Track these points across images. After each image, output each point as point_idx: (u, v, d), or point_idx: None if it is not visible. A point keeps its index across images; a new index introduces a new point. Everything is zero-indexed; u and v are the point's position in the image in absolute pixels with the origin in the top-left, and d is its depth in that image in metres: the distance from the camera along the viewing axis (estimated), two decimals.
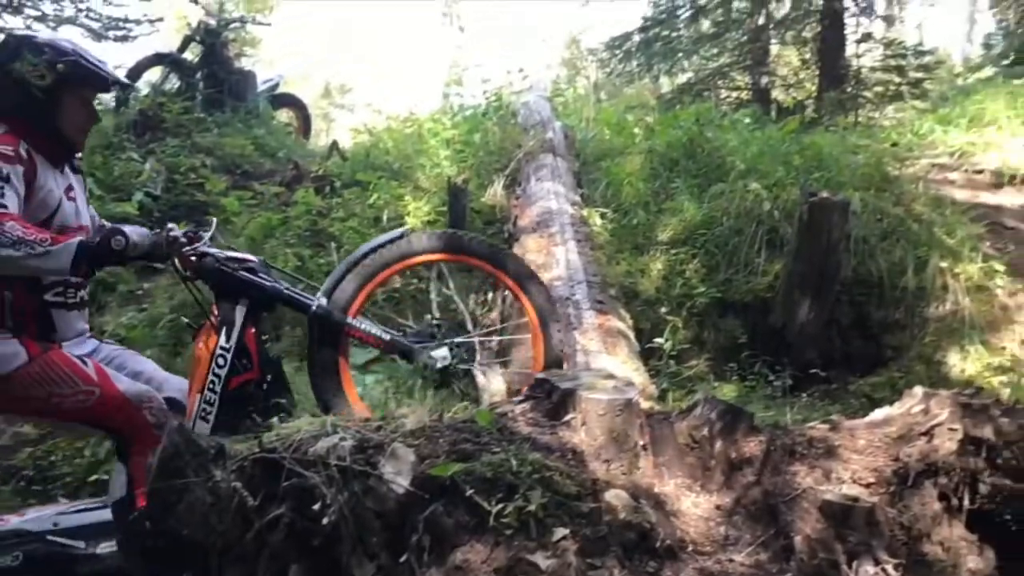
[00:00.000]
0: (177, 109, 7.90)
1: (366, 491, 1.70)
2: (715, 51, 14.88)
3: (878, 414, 2.21)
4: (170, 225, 2.61)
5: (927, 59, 14.98)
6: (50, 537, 2.48)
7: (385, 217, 6.06)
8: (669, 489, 1.97)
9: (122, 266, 2.58)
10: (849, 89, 13.23)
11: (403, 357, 2.79)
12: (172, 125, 7.78)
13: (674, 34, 14.34)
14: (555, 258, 4.76)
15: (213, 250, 2.61)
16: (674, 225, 6.32)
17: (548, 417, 2.02)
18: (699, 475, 2.01)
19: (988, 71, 14.45)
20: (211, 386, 2.49)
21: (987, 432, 1.99)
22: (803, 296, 5.55)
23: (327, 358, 2.67)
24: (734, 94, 14.54)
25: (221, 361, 2.49)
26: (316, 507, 1.67)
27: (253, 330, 2.59)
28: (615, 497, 1.77)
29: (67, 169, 2.75)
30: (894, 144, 8.28)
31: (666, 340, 4.73)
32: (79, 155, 2.85)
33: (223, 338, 2.51)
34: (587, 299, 4.16)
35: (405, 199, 6.29)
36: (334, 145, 7.99)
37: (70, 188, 2.71)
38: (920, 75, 14.40)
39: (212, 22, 9.00)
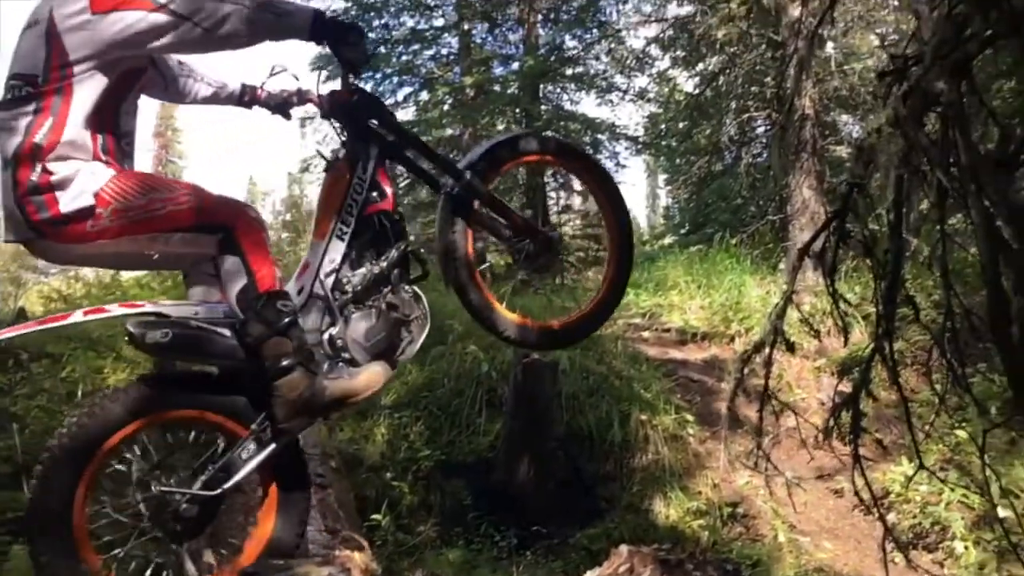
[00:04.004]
0: None
1: None
2: (432, 218, 15.70)
3: None
4: None
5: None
6: (195, 323, 2.44)
7: (80, 392, 5.50)
8: None
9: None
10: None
11: (528, 234, 2.97)
12: None
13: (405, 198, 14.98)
14: None
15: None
16: (397, 388, 6.36)
17: None
18: None
19: (669, 239, 16.51)
20: (348, 209, 2.63)
21: None
22: (523, 453, 5.76)
23: (461, 232, 2.80)
24: None
25: (359, 189, 2.64)
26: None
27: (384, 169, 2.74)
28: None
29: None
30: None
31: (384, 516, 4.65)
32: None
33: (360, 169, 2.65)
34: None
35: (105, 371, 5.78)
36: (21, 313, 7.21)
37: None
38: None
39: None
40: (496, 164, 2.95)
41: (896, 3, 11.68)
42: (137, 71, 2.54)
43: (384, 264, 2.65)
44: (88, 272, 8.17)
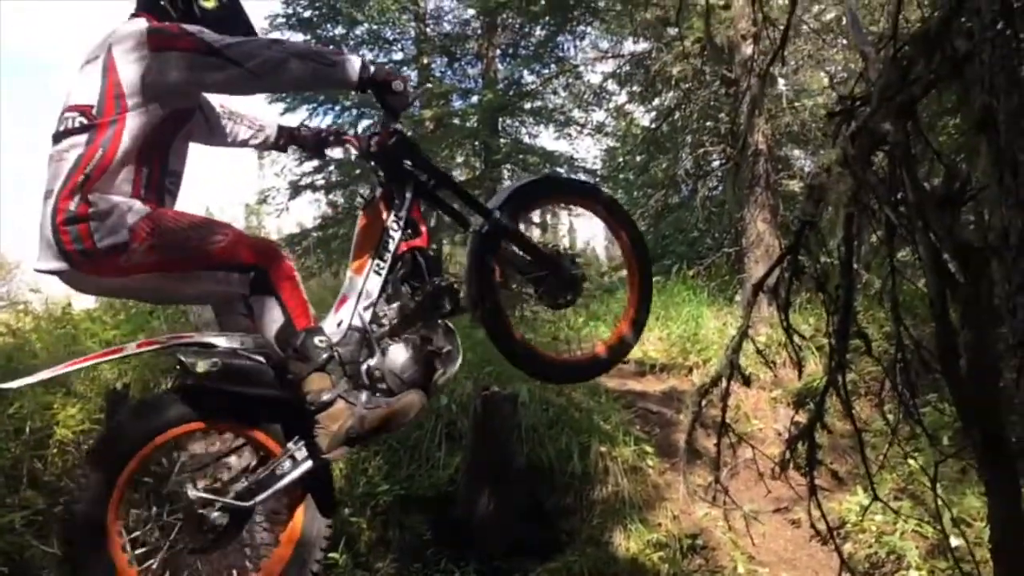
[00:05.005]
0: None
1: None
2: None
3: None
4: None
5: (577, 260, 16.96)
6: (241, 352, 2.53)
7: (28, 428, 5.35)
8: None
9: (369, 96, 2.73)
10: (514, 287, 14.51)
11: (553, 270, 3.10)
12: None
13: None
14: None
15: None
16: None
17: None
18: None
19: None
20: (385, 246, 2.75)
21: None
22: (483, 487, 5.71)
23: (488, 269, 2.90)
24: None
25: (395, 227, 2.77)
26: None
27: (419, 207, 2.87)
28: None
29: None
30: (554, 338, 9.10)
31: (341, 554, 4.59)
32: None
33: (395, 209, 2.78)
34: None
35: (55, 407, 5.62)
36: None
37: None
38: None
39: None
40: (523, 205, 3.07)
41: (844, 43, 12.03)
42: (187, 112, 2.61)
43: (419, 299, 2.76)
44: (37, 305, 7.98)
